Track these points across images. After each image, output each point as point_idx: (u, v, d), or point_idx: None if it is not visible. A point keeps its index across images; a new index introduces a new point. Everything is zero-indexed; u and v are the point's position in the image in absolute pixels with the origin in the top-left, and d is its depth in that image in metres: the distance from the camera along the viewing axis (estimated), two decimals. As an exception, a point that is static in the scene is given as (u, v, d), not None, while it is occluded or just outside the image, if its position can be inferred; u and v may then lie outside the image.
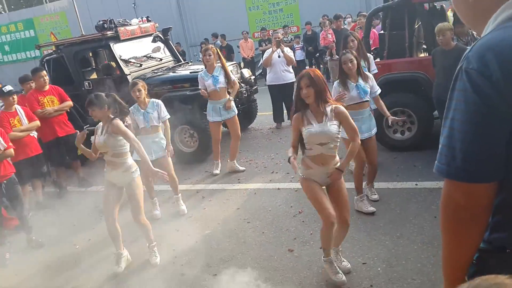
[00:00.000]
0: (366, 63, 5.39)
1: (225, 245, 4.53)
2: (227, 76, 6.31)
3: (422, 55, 6.60)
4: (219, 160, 6.75)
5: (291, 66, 8.04)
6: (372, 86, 4.61)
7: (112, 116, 4.18)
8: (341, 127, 3.48)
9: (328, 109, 3.43)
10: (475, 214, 1.23)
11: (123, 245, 4.47)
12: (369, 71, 5.29)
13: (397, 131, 6.21)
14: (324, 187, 3.62)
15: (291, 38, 13.57)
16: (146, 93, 5.43)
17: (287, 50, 7.99)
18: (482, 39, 1.18)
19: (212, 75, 6.26)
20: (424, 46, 6.59)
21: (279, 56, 7.82)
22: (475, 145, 1.16)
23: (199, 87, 6.37)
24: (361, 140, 4.51)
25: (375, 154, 4.76)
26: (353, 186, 4.75)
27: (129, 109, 5.28)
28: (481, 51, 1.14)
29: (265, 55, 8.10)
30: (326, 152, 3.45)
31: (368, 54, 5.62)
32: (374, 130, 4.70)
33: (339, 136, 3.47)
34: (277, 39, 7.79)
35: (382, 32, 6.75)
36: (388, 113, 4.70)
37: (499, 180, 1.19)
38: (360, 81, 4.54)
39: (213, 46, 6.70)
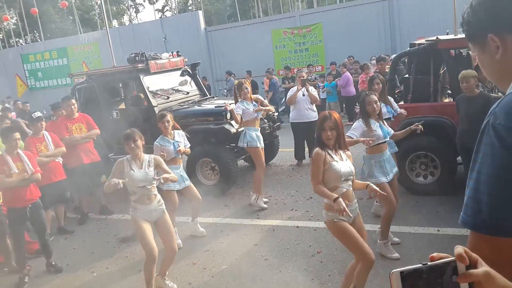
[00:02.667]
0: (389, 106, 5.49)
1: (242, 282, 4.50)
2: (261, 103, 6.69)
3: (446, 100, 6.60)
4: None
5: (314, 105, 8.15)
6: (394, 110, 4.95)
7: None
8: None
9: (340, 150, 3.66)
10: (501, 268, 1.19)
11: None
12: (394, 112, 5.51)
13: (419, 175, 6.16)
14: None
15: (315, 77, 13.73)
16: (173, 124, 5.64)
17: (312, 89, 8.10)
18: (509, 95, 1.20)
19: (254, 105, 6.53)
20: (449, 92, 6.61)
21: (303, 95, 7.93)
22: (502, 199, 1.16)
23: (238, 111, 6.45)
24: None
25: (396, 192, 4.87)
26: (373, 228, 4.70)
27: (156, 141, 5.51)
28: (508, 108, 1.16)
29: (290, 93, 8.21)
30: (349, 188, 3.58)
31: (389, 97, 5.69)
32: (396, 169, 4.81)
33: None
34: (302, 78, 7.92)
35: (406, 76, 6.81)
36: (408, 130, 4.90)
37: None
38: (380, 122, 4.68)
39: (245, 79, 6.98)
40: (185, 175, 5.74)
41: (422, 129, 4.83)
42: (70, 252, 5.89)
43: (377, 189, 3.65)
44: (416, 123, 4.86)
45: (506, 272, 1.21)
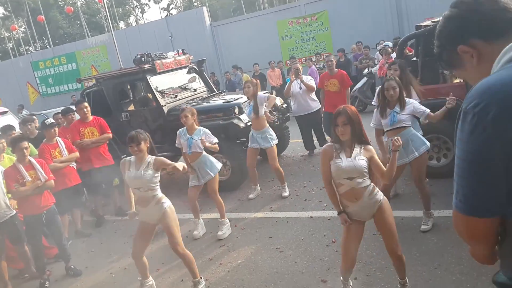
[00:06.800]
0: (405, 92, 5.37)
1: (258, 275, 4.52)
2: (254, 108, 6.46)
3: (456, 81, 6.49)
4: (257, 185, 6.87)
5: (314, 94, 8.10)
6: (414, 110, 4.63)
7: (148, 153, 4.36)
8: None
9: (358, 146, 3.42)
10: (476, 241, 1.36)
11: (149, 273, 4.57)
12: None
13: (433, 158, 6.09)
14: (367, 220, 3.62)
15: (323, 66, 13.60)
16: (195, 119, 5.65)
17: (306, 78, 8.05)
18: (482, 80, 1.23)
19: (251, 105, 6.49)
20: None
21: (300, 88, 7.90)
22: (472, 182, 1.24)
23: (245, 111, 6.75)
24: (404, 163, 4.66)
25: (418, 176, 4.71)
26: (403, 214, 4.77)
27: (180, 130, 5.66)
28: (479, 91, 1.20)
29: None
30: (356, 186, 3.40)
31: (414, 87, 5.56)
32: (416, 154, 4.61)
33: (367, 171, 3.39)
34: (296, 69, 7.90)
35: (414, 59, 6.71)
36: (444, 109, 4.56)
37: (499, 215, 1.26)
38: (396, 108, 4.60)
39: (252, 78, 6.94)
40: (203, 172, 5.65)
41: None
42: (89, 255, 5.98)
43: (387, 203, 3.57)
44: (449, 99, 4.53)
45: (479, 246, 1.39)
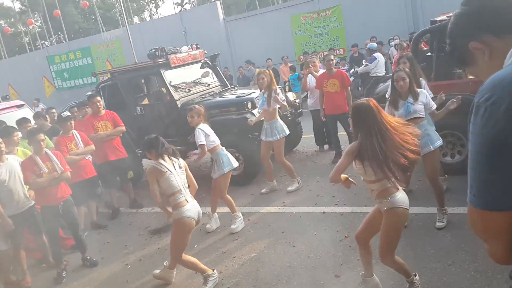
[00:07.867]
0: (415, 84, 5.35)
1: (271, 269, 4.55)
2: (268, 99, 6.44)
3: (471, 76, 6.42)
4: (273, 181, 6.88)
5: None
6: (426, 103, 4.63)
7: (154, 160, 4.34)
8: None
9: None
10: (492, 236, 1.32)
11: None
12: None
13: (447, 154, 6.05)
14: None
15: (337, 61, 13.51)
16: (201, 118, 5.56)
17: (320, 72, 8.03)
18: (494, 74, 1.23)
19: (264, 96, 6.49)
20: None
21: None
22: (485, 175, 1.22)
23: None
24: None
25: (431, 172, 4.69)
26: (417, 211, 4.80)
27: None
28: (491, 84, 1.21)
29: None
30: (370, 187, 3.48)
31: (421, 79, 5.50)
32: (431, 147, 4.60)
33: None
34: (307, 62, 7.92)
35: (429, 54, 6.66)
36: (445, 110, 4.62)
37: None
38: (410, 99, 4.61)
39: (265, 70, 6.93)
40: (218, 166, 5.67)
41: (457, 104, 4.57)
42: (104, 246, 6.07)
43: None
44: (452, 100, 4.58)
45: (495, 242, 1.35)
